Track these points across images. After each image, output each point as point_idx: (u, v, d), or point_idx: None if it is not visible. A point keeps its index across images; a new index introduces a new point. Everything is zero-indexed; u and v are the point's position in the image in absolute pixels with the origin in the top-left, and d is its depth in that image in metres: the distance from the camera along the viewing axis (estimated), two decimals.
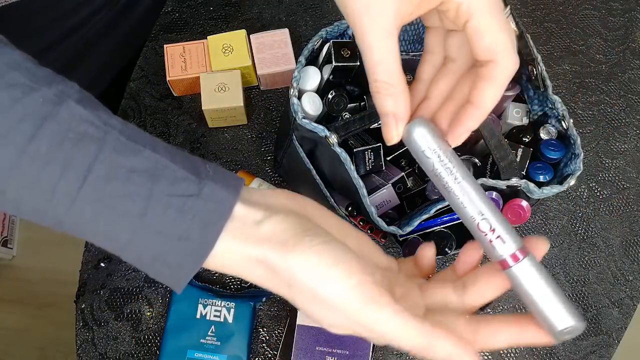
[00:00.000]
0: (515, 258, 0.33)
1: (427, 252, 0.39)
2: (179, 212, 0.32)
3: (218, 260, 0.33)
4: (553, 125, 0.55)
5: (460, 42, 0.38)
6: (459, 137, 0.35)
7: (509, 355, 0.67)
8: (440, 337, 0.32)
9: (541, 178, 0.53)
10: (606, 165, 0.75)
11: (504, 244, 0.33)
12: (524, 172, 0.54)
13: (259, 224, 0.33)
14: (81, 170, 0.30)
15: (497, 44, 0.33)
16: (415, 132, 0.35)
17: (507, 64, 0.34)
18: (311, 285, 0.32)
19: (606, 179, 0.74)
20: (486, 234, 0.33)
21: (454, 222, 0.60)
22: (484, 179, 0.49)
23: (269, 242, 0.33)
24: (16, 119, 0.30)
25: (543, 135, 0.54)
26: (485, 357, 0.66)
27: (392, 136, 0.35)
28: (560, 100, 0.52)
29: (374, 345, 0.64)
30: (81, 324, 0.67)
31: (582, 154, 0.50)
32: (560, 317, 0.32)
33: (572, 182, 0.49)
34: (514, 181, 0.48)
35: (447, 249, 0.61)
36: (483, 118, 0.35)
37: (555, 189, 0.48)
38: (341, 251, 0.33)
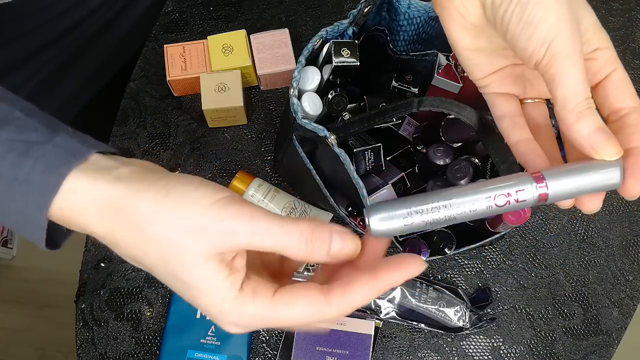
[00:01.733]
0: (544, 195, 0.33)
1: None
2: (20, 156, 0.30)
3: (64, 202, 0.30)
4: (553, 125, 0.54)
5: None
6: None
7: (509, 355, 0.67)
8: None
9: None
10: None
11: (525, 190, 0.33)
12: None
13: (114, 168, 0.31)
14: None
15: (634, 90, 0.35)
16: (376, 225, 0.33)
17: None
18: (171, 216, 0.30)
19: None
20: (509, 202, 0.33)
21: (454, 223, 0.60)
22: (483, 180, 0.49)
23: (123, 183, 0.30)
24: None
25: None
26: (485, 357, 0.66)
27: (617, 150, 0.33)
28: None
29: (374, 345, 0.64)
30: (81, 324, 0.67)
31: None
32: (610, 178, 0.33)
33: None
34: None
35: (446, 249, 0.61)
36: None
37: None
38: (202, 181, 0.31)
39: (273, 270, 0.36)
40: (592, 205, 0.35)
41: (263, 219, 0.30)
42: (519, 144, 0.40)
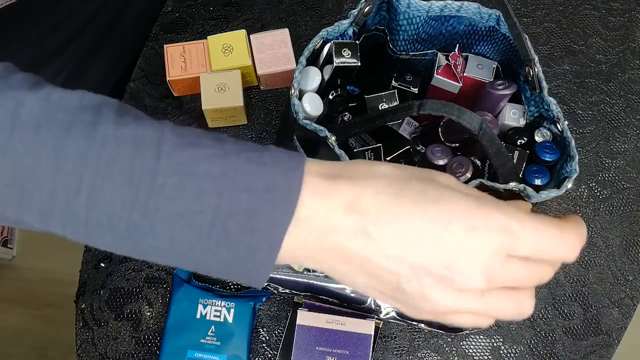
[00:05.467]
0: None
1: None
2: (259, 165, 0.31)
3: (304, 212, 0.31)
4: (548, 128, 0.54)
5: None
6: None
7: (509, 355, 0.67)
8: None
9: (537, 181, 0.52)
10: (606, 165, 0.75)
11: None
12: (520, 176, 0.54)
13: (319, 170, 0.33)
14: (153, 143, 0.30)
15: None
16: None
17: None
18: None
19: (606, 179, 0.74)
20: None
21: None
22: (481, 180, 0.49)
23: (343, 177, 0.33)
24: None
25: (538, 137, 0.54)
26: (485, 357, 0.66)
27: None
28: (555, 102, 0.52)
29: (374, 345, 0.64)
30: (81, 324, 0.67)
31: (577, 156, 0.50)
32: None
33: (569, 185, 0.48)
34: (512, 185, 0.48)
35: None
36: None
37: (553, 193, 0.48)
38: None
39: None
40: None
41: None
42: None
